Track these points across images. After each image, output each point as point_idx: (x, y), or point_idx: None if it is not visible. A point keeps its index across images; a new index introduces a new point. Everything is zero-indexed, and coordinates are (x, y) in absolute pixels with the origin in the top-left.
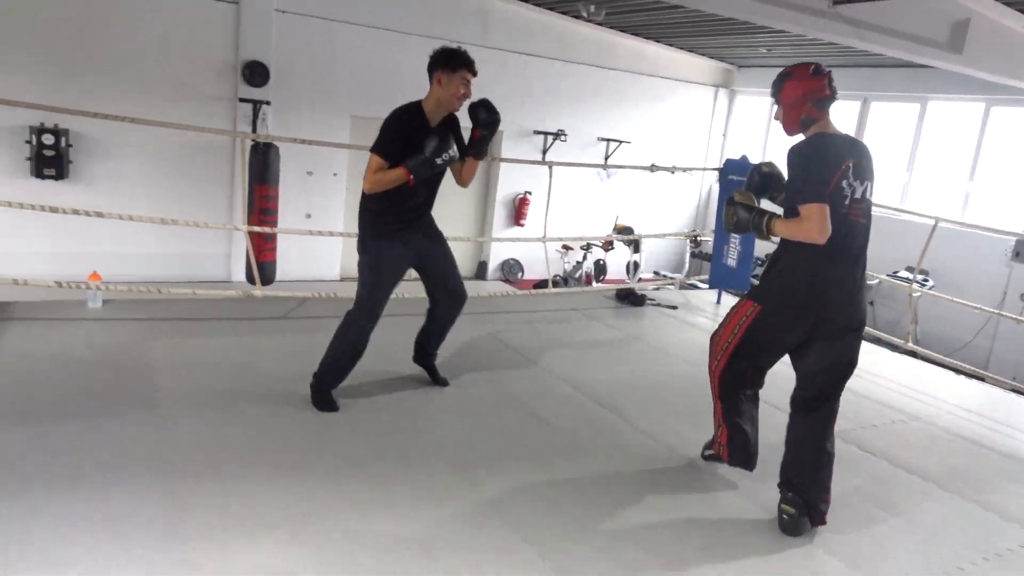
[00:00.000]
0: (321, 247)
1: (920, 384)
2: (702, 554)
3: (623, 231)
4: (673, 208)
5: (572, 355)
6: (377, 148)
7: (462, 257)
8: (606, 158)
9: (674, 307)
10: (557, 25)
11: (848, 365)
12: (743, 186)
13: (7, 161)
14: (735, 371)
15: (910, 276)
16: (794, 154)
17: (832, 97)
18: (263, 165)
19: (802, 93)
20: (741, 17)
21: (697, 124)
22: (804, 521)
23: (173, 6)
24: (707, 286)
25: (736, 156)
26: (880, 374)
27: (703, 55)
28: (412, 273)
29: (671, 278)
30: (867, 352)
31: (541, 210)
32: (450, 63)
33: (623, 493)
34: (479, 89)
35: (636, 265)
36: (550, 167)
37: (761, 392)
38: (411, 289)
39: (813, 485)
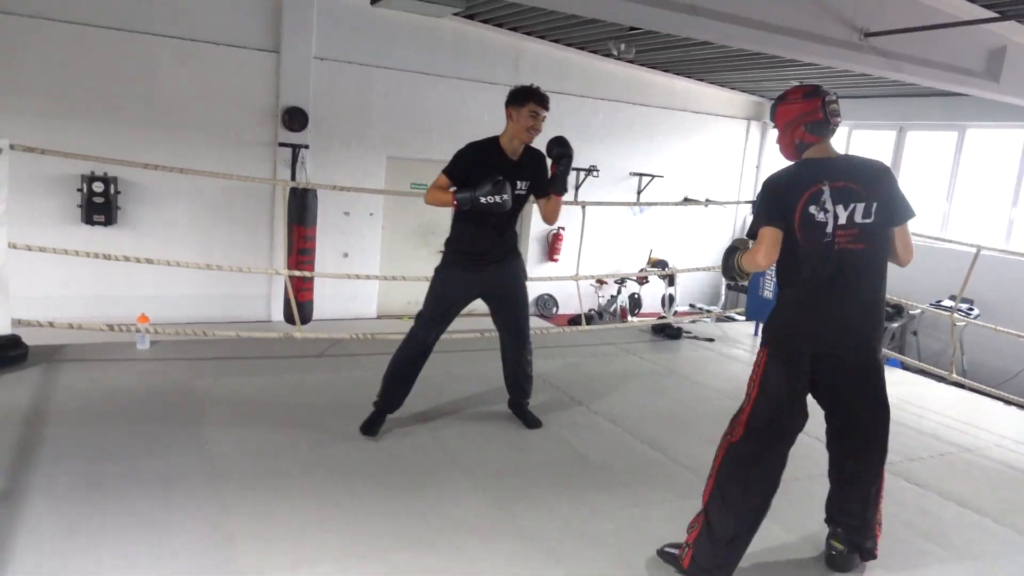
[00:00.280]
0: (359, 286)
1: (968, 415)
2: None
3: (657, 264)
4: (707, 241)
5: (609, 389)
6: (446, 168)
7: None
8: (639, 193)
9: (711, 340)
10: (587, 64)
11: (878, 405)
12: None
13: (59, 208)
14: (755, 437)
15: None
16: (763, 183)
17: (827, 121)
18: (301, 207)
19: (794, 116)
20: (770, 51)
21: (729, 157)
22: (853, 557)
23: (217, 56)
24: (743, 318)
25: None
26: (926, 406)
27: (734, 89)
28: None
29: (707, 311)
30: (912, 383)
31: (575, 245)
32: (518, 98)
33: (664, 527)
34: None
35: (671, 298)
36: (583, 207)
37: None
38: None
39: (863, 526)
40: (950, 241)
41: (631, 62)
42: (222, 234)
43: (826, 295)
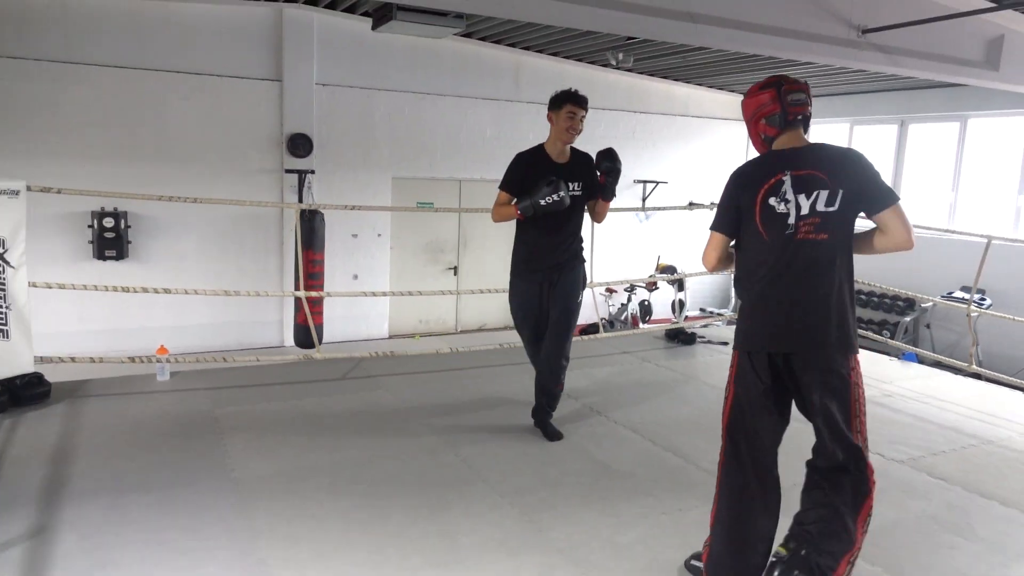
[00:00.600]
0: (369, 306)
1: (988, 407)
2: None
3: (666, 270)
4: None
5: (627, 397)
6: (501, 184)
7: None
8: (643, 199)
9: (725, 343)
10: (587, 74)
11: (828, 415)
12: None
13: (71, 245)
14: (731, 444)
15: (966, 296)
16: None
17: (783, 112)
18: (309, 231)
19: (752, 110)
20: (767, 53)
21: (732, 159)
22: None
23: (221, 86)
24: None
25: None
26: (945, 398)
27: (732, 92)
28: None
29: (718, 314)
30: (929, 377)
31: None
32: (556, 102)
33: (692, 534)
34: (516, 139)
35: (682, 303)
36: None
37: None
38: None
39: (819, 553)
40: (958, 232)
41: (630, 71)
42: (232, 263)
43: (781, 291)
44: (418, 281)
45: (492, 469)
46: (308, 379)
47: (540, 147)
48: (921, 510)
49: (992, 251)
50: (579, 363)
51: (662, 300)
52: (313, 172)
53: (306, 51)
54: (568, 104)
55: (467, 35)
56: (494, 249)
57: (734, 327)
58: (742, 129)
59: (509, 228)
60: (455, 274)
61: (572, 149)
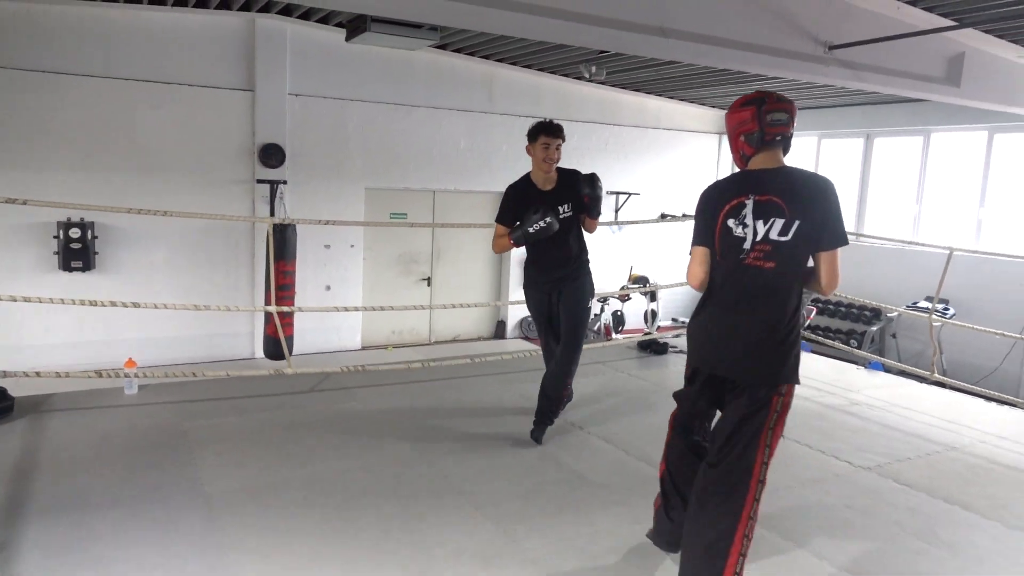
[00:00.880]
0: (341, 318)
1: (951, 414)
2: None
3: (638, 281)
4: (686, 254)
5: (601, 408)
6: (497, 218)
7: (481, 318)
8: (616, 211)
9: None
10: (560, 87)
11: (742, 448)
12: None
13: (36, 256)
14: (673, 431)
15: (929, 306)
16: None
17: (761, 131)
18: (281, 242)
19: (732, 126)
20: (737, 68)
21: (703, 171)
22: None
23: (192, 96)
24: None
25: None
26: (910, 406)
27: (704, 105)
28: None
29: None
30: (895, 385)
31: None
32: (531, 135)
33: None
34: (489, 151)
35: (654, 314)
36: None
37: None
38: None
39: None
40: (922, 244)
41: (602, 83)
42: (202, 274)
43: (724, 315)
44: (391, 292)
45: (466, 480)
46: (279, 392)
47: (527, 177)
48: (887, 516)
49: (954, 262)
50: None
51: (635, 311)
52: (285, 183)
53: (279, 61)
54: (542, 135)
55: (441, 47)
56: (468, 260)
57: None
58: (713, 142)
59: (483, 241)
60: (428, 285)
61: (558, 170)
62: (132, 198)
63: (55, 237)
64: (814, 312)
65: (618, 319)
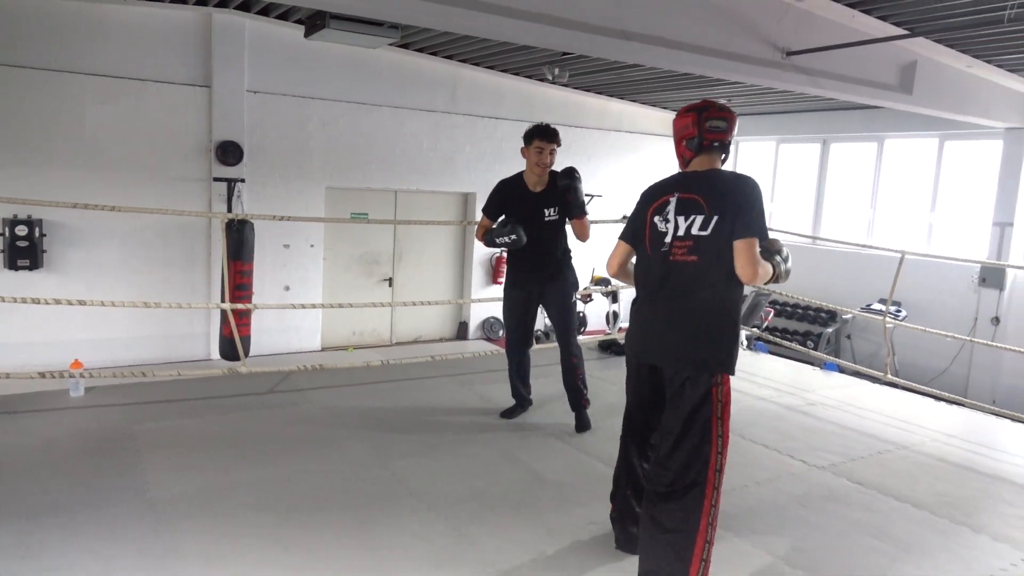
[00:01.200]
0: (300, 318)
1: (902, 414)
2: None
3: (600, 282)
4: None
5: (560, 407)
6: (483, 209)
7: (443, 319)
8: None
9: None
10: (523, 88)
11: (677, 438)
12: None
13: None
14: (624, 428)
15: (883, 308)
16: None
17: (700, 137)
18: (238, 241)
19: (676, 131)
20: (697, 72)
21: (665, 173)
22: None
23: (144, 91)
24: None
25: None
26: (864, 406)
27: (665, 108)
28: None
29: None
30: (849, 386)
31: None
32: (526, 138)
33: None
34: (452, 151)
35: (615, 315)
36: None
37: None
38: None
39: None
40: (875, 248)
41: (566, 86)
42: (156, 274)
43: (653, 306)
44: (352, 293)
45: (422, 482)
46: (233, 393)
47: (520, 176)
48: (841, 514)
49: (906, 265)
50: None
51: (596, 311)
52: (243, 181)
53: (236, 57)
54: (536, 139)
55: (404, 46)
56: (430, 262)
57: None
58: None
59: (445, 241)
60: (390, 286)
61: (551, 173)
62: (82, 194)
63: (0, 235)
64: (771, 314)
65: (580, 320)
